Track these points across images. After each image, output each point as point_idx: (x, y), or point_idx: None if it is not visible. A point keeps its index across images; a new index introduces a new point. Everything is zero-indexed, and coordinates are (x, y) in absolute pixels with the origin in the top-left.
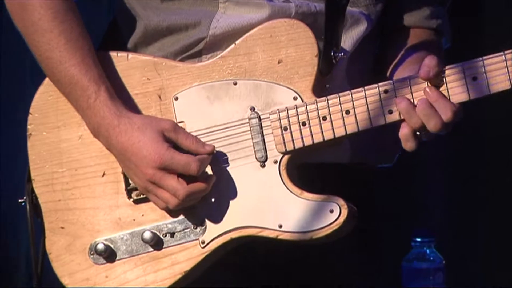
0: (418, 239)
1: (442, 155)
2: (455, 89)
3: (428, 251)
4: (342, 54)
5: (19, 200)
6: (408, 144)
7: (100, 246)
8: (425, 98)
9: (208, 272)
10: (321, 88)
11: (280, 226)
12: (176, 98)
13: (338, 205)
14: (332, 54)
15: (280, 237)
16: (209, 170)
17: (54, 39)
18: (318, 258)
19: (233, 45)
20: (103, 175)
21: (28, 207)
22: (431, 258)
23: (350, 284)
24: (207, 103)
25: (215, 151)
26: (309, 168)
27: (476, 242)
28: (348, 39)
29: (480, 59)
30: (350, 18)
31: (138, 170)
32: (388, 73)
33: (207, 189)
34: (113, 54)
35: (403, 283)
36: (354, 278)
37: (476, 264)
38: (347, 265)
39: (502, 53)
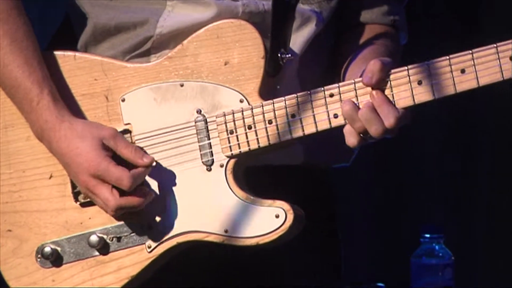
0: (427, 235)
1: (447, 148)
2: (400, 94)
3: (437, 247)
4: (290, 55)
5: None
6: (350, 140)
7: (47, 250)
8: (370, 102)
9: (155, 275)
10: (271, 89)
11: (226, 231)
12: (123, 100)
13: (283, 210)
14: (279, 55)
15: (226, 242)
16: (155, 173)
17: None
18: (268, 260)
19: (180, 46)
20: (50, 177)
21: None
22: (440, 254)
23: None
24: (154, 104)
25: (153, 163)
26: (259, 172)
27: (483, 239)
28: (299, 39)
29: (426, 62)
30: (300, 16)
31: (76, 176)
32: (343, 70)
33: (141, 205)
34: (59, 54)
35: (412, 279)
36: (302, 279)
37: (484, 260)
38: (296, 266)
39: (447, 57)
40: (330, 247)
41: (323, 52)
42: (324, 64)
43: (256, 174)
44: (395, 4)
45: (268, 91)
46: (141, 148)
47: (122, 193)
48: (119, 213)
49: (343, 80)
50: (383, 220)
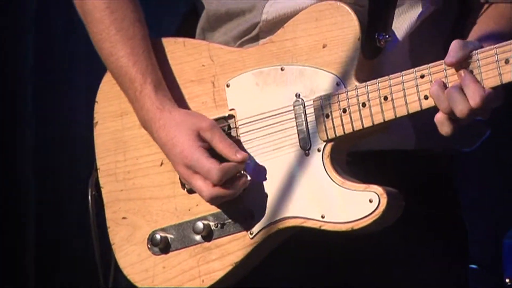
0: None
1: None
2: (488, 73)
3: None
4: (388, 37)
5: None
6: (443, 129)
7: (157, 237)
8: (457, 82)
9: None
10: (372, 72)
11: (323, 217)
12: (228, 85)
13: (377, 194)
14: (377, 37)
15: (323, 227)
16: (257, 159)
17: (105, 30)
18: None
19: (281, 30)
20: (161, 164)
21: (90, 198)
22: None
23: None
24: (256, 89)
25: (247, 160)
26: (367, 157)
27: None
28: (407, 21)
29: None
30: None
31: (175, 166)
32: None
33: (234, 194)
34: (170, 40)
35: (504, 260)
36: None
37: None
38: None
39: None
40: (451, 233)
41: (439, 33)
42: (441, 46)
43: (365, 159)
44: None
45: (369, 73)
46: (238, 143)
47: None
48: (215, 202)
49: None
50: (476, 200)
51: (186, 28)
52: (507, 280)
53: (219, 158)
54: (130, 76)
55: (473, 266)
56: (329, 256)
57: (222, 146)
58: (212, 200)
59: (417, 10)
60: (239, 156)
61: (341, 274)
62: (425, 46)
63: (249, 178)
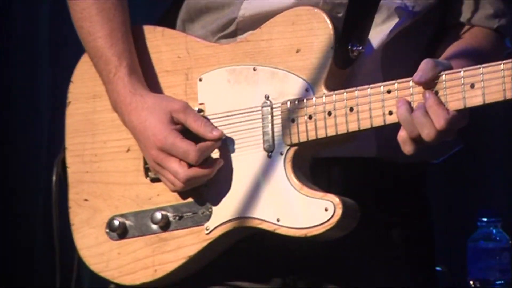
0: (485, 219)
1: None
2: (453, 96)
3: (494, 231)
4: (361, 48)
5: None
6: (406, 148)
7: (116, 222)
8: (422, 104)
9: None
10: (343, 81)
11: (278, 220)
12: (201, 79)
13: (333, 204)
14: (349, 47)
15: (277, 231)
16: (217, 154)
17: (86, 9)
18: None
19: (258, 29)
20: (127, 151)
21: (54, 177)
22: (498, 238)
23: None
24: (227, 86)
25: (223, 137)
26: (329, 164)
27: None
28: (384, 32)
29: (480, 66)
30: (387, 10)
31: (146, 150)
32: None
33: (210, 174)
34: (149, 28)
35: (468, 263)
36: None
37: None
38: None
39: (500, 62)
40: (416, 240)
41: (413, 47)
42: (414, 60)
43: (326, 165)
44: (502, 7)
45: (340, 82)
46: (211, 122)
47: (190, 165)
48: (189, 185)
49: None
50: (440, 204)
51: (169, 18)
52: (471, 282)
53: (193, 140)
54: (106, 57)
55: (437, 268)
56: (288, 259)
57: (197, 125)
58: (188, 182)
59: (393, 22)
60: (216, 133)
61: (299, 279)
62: (398, 60)
63: (221, 161)
